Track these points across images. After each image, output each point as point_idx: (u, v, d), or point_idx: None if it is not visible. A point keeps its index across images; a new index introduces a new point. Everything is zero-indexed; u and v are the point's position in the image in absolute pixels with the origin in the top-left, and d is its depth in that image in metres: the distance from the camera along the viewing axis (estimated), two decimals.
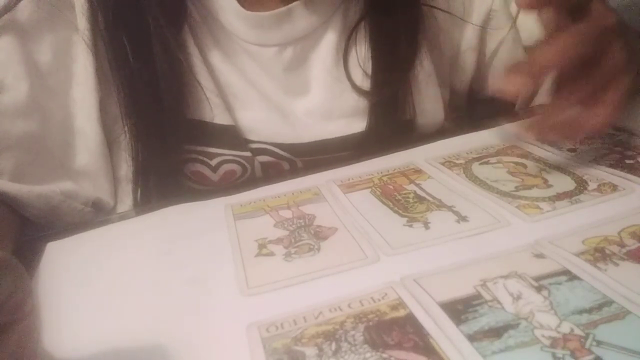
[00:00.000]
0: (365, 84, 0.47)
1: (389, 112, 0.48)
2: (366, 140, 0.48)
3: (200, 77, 0.43)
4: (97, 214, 0.43)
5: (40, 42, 0.40)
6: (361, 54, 0.47)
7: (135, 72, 0.42)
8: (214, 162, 0.45)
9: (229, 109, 0.45)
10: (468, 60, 0.53)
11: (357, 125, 0.48)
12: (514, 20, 0.51)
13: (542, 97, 0.53)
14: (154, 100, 0.42)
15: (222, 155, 0.45)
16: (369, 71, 0.47)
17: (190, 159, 0.45)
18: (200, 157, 0.45)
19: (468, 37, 0.52)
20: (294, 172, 0.47)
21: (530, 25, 0.51)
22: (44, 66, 0.40)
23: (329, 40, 0.47)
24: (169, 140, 0.43)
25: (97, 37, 0.42)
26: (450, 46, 0.52)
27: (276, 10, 0.43)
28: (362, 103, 0.48)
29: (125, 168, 0.44)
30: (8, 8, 0.38)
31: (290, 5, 0.44)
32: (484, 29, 0.51)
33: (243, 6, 0.43)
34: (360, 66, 0.47)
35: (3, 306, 0.20)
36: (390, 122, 0.48)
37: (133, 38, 0.41)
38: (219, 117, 0.44)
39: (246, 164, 0.46)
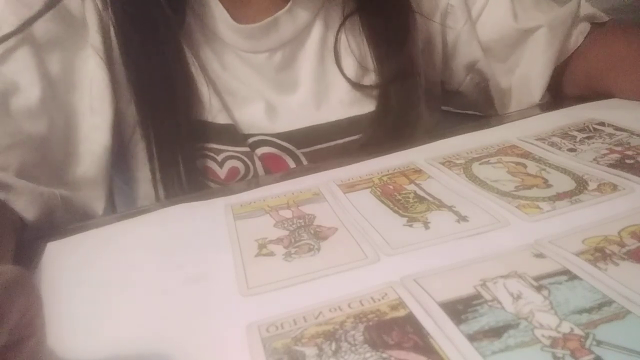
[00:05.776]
0: (352, 73, 0.51)
1: (395, 96, 0.52)
2: (357, 125, 0.51)
3: (199, 82, 0.48)
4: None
5: (53, 54, 0.43)
6: (354, 47, 0.51)
7: (145, 81, 0.46)
8: (220, 158, 0.49)
9: (227, 109, 0.49)
10: (435, 51, 0.57)
11: (346, 111, 0.52)
12: (469, 16, 0.55)
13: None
14: (163, 104, 0.47)
15: (226, 152, 0.49)
16: (363, 62, 0.51)
17: (201, 155, 0.49)
18: (210, 154, 0.49)
19: (433, 30, 0.56)
20: (296, 171, 0.47)
21: (493, 20, 0.56)
22: (54, 77, 0.43)
23: (314, 40, 0.51)
24: (179, 138, 0.47)
25: (110, 52, 0.46)
26: (422, 37, 0.55)
27: (264, 22, 0.48)
28: (350, 93, 0.52)
29: (146, 171, 0.49)
30: (25, 26, 0.41)
31: (276, 15, 0.48)
32: (443, 23, 0.56)
33: (234, 19, 0.48)
34: (355, 58, 0.51)
35: (19, 319, 0.20)
36: (397, 106, 0.52)
37: (141, 52, 0.46)
38: (218, 117, 0.48)
39: (247, 160, 0.49)
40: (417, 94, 0.54)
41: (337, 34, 0.51)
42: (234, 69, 0.49)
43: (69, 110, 0.44)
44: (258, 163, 0.50)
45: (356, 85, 0.51)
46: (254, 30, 0.48)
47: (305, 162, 0.52)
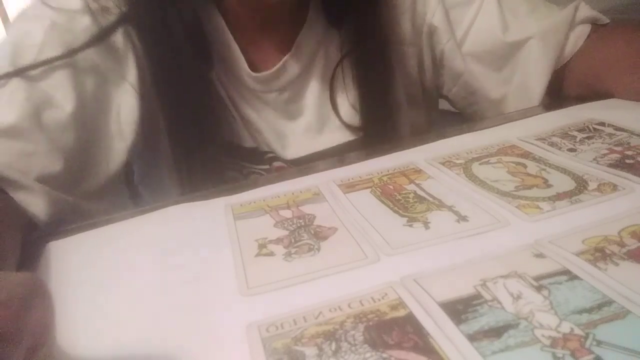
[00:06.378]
0: (345, 109, 0.59)
1: (376, 124, 0.59)
2: (356, 148, 0.58)
3: (227, 112, 0.57)
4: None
5: (89, 79, 0.47)
6: (348, 85, 0.58)
7: (178, 111, 0.54)
8: (244, 172, 0.58)
9: (250, 134, 0.58)
10: (425, 63, 0.62)
11: (344, 137, 0.59)
12: (452, 35, 0.59)
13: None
14: (193, 129, 0.54)
15: (249, 168, 0.58)
16: (353, 100, 0.58)
17: (228, 167, 0.58)
18: (236, 167, 0.58)
19: (421, 46, 0.61)
20: (296, 171, 0.48)
21: (483, 34, 0.58)
22: (87, 99, 0.47)
23: (316, 76, 0.58)
24: (206, 156, 0.55)
25: (144, 83, 0.51)
26: (414, 53, 0.61)
27: (274, 69, 0.56)
28: (346, 119, 0.59)
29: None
30: (69, 54, 0.46)
31: (282, 61, 0.56)
32: (428, 40, 0.61)
33: (250, 61, 0.56)
34: (347, 96, 0.59)
35: (34, 329, 0.20)
36: (377, 132, 0.59)
37: (179, 90, 0.53)
38: (244, 140, 0.58)
39: (266, 175, 0.58)
40: (397, 127, 0.61)
41: (334, 73, 0.58)
42: (252, 103, 0.58)
43: (94, 131, 0.48)
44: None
45: (344, 124, 0.59)
46: (266, 77, 0.56)
47: None
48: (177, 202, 0.40)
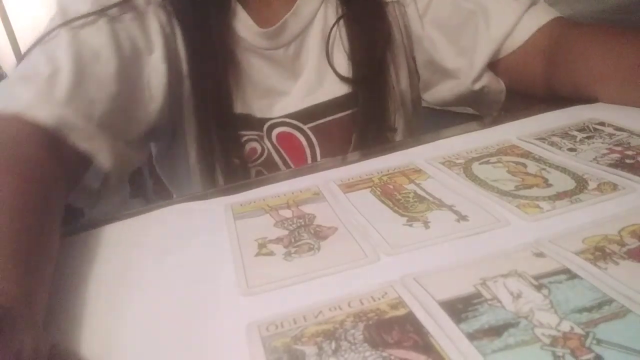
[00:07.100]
0: (341, 63, 0.62)
1: (368, 79, 0.63)
2: (350, 100, 0.62)
3: (232, 81, 0.59)
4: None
5: (126, 48, 0.52)
6: (344, 42, 0.62)
7: (198, 84, 0.58)
8: (242, 140, 0.61)
9: (246, 100, 0.60)
10: (402, 29, 0.66)
11: (341, 90, 0.62)
12: (414, 2, 0.63)
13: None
14: (214, 101, 0.59)
15: (245, 136, 0.60)
16: (348, 54, 0.62)
17: (228, 138, 0.60)
18: (234, 137, 0.61)
19: (396, 14, 0.65)
20: (296, 171, 0.48)
21: (447, 6, 0.62)
22: (125, 63, 0.51)
23: (316, 33, 0.62)
24: (219, 125, 0.59)
25: (172, 58, 0.56)
26: (394, 16, 0.65)
27: (279, 24, 0.59)
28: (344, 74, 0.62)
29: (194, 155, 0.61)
30: (103, 11, 0.51)
31: (284, 19, 0.59)
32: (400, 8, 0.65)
33: (255, 22, 0.59)
34: (345, 50, 0.62)
35: None
36: (368, 86, 0.62)
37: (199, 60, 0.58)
38: (239, 108, 0.59)
39: (262, 141, 0.61)
40: (386, 83, 0.64)
41: (331, 30, 0.61)
42: (257, 66, 0.60)
43: (131, 90, 0.53)
44: (269, 144, 0.61)
45: (340, 75, 0.62)
46: (272, 32, 0.59)
47: (311, 136, 0.61)
48: (177, 202, 0.40)
